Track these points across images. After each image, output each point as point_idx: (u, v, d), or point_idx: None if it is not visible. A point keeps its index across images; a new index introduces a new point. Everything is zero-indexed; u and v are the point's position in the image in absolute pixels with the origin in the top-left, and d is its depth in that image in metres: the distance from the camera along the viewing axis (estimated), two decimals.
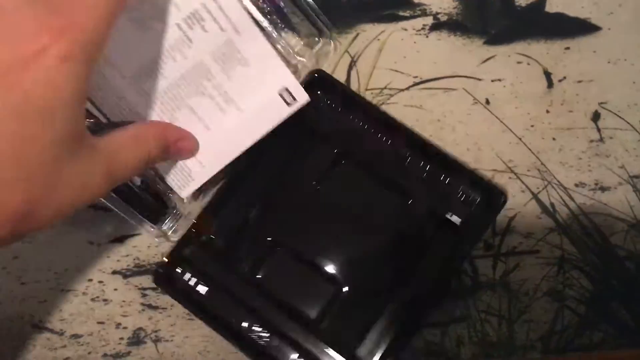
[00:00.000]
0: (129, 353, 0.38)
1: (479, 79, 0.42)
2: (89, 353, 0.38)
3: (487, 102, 0.41)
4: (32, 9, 0.25)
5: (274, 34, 0.39)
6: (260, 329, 0.37)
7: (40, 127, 0.25)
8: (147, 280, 0.39)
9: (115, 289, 0.39)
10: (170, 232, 0.38)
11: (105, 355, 0.38)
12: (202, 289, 0.38)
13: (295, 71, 0.39)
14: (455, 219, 0.38)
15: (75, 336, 0.39)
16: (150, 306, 0.39)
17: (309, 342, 0.37)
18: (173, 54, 0.35)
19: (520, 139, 0.40)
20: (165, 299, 0.39)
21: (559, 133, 0.40)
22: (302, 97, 0.38)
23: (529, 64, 0.42)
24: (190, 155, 0.36)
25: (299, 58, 0.41)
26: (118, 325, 0.39)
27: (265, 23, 0.39)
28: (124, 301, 0.39)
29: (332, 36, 0.41)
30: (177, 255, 0.38)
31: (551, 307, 0.38)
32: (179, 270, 0.38)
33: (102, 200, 0.37)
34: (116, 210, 0.37)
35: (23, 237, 0.27)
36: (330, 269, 0.38)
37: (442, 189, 0.39)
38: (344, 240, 0.39)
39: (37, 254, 0.40)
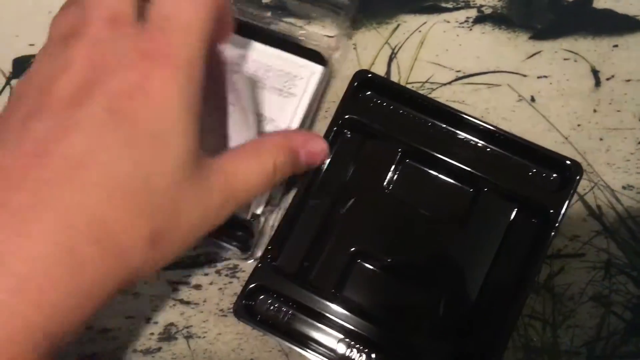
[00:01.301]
0: (159, 349, 0.37)
1: (524, 75, 0.40)
2: (118, 348, 0.37)
3: (532, 99, 0.40)
4: (130, 39, 0.25)
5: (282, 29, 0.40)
6: (355, 346, 0.36)
7: (155, 153, 0.24)
8: (178, 274, 0.38)
9: (146, 283, 0.38)
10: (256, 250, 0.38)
11: (135, 350, 0.37)
12: (286, 315, 0.36)
13: (321, 51, 0.39)
14: (534, 199, 0.36)
15: (104, 330, 0.37)
16: (182, 301, 0.38)
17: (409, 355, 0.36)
18: None
19: (566, 138, 0.39)
20: (197, 294, 0.38)
21: (607, 133, 0.39)
22: (315, 75, 0.38)
23: (575, 60, 0.40)
24: (324, 157, 0.34)
25: (322, 37, 0.40)
26: (148, 320, 0.38)
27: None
28: (154, 295, 0.38)
29: (353, 10, 0.40)
30: (253, 285, 0.36)
31: (597, 313, 0.36)
32: (259, 299, 0.36)
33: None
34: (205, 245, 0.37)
35: (152, 272, 0.26)
36: (419, 275, 0.37)
37: (515, 171, 0.37)
38: (424, 242, 0.37)
39: None
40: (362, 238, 0.37)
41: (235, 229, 0.36)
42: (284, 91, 0.38)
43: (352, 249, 0.37)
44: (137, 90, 0.24)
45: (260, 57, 0.39)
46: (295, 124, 0.37)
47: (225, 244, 0.36)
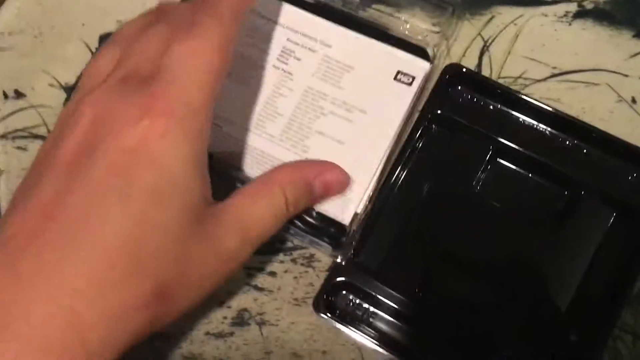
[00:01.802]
0: (232, 334, 0.37)
1: (626, 75, 0.38)
2: (191, 330, 0.37)
3: (634, 100, 0.38)
4: (136, 95, 0.26)
5: (380, 19, 0.39)
6: (435, 349, 0.35)
7: (155, 210, 0.25)
8: (253, 260, 0.38)
9: None
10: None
11: (207, 333, 0.37)
12: (367, 312, 0.35)
13: (425, 46, 0.37)
14: (634, 205, 0.34)
15: None
16: (256, 287, 0.37)
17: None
18: (280, 91, 0.38)
19: None
20: (272, 281, 0.37)
21: None
22: (421, 70, 0.37)
23: None
24: (342, 187, 0.34)
25: (427, 32, 0.38)
26: (221, 303, 0.37)
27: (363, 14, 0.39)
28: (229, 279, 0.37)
29: (461, 14, 0.39)
30: (335, 281, 0.35)
31: None
32: (340, 295, 0.36)
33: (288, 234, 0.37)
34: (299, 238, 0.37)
35: (162, 326, 0.27)
36: (506, 278, 0.35)
37: (614, 174, 0.35)
38: (513, 245, 0.36)
39: None
40: (448, 238, 0.36)
41: (329, 226, 0.35)
42: (386, 85, 0.37)
43: (437, 249, 0.36)
44: (135, 148, 0.25)
45: (355, 46, 0.38)
46: (397, 122, 0.36)
47: (316, 239, 0.36)
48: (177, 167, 0.25)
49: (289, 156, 0.36)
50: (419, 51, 0.37)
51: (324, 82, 0.37)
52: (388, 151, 0.36)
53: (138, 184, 0.25)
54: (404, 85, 0.37)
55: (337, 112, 0.37)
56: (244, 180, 0.36)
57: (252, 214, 0.29)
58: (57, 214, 0.24)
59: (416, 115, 0.37)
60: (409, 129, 0.37)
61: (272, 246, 0.38)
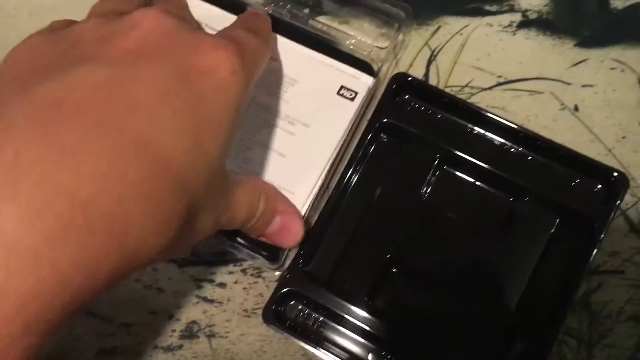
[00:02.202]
0: (181, 347, 0.36)
1: (568, 84, 0.39)
2: (139, 344, 0.36)
3: (576, 108, 0.38)
4: (197, 32, 0.27)
5: (327, 33, 0.39)
6: (386, 356, 0.35)
7: (211, 130, 0.25)
8: (203, 272, 0.37)
9: (170, 279, 0.37)
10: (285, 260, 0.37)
11: (155, 347, 0.36)
12: (316, 322, 0.35)
13: (370, 62, 0.37)
14: (577, 210, 0.35)
15: (125, 325, 0.37)
16: (205, 299, 0.37)
17: None
18: None
19: (609, 150, 0.38)
20: (222, 292, 0.37)
21: None
22: (364, 86, 0.37)
23: (622, 70, 0.39)
24: (294, 240, 0.33)
25: (373, 47, 0.39)
26: (171, 316, 0.37)
27: (310, 29, 0.39)
28: (178, 292, 0.37)
29: (407, 29, 0.39)
30: (284, 291, 0.35)
31: (635, 333, 0.35)
32: (289, 305, 0.36)
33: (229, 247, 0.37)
34: (237, 252, 0.37)
35: (180, 249, 0.26)
36: (454, 284, 0.35)
37: (558, 180, 0.36)
38: (461, 251, 0.36)
39: None
40: (397, 245, 0.36)
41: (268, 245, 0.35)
42: (329, 100, 0.37)
43: (386, 256, 0.36)
44: (208, 73, 0.25)
45: (301, 59, 0.38)
46: (339, 137, 0.37)
47: (253, 253, 0.36)
48: (237, 104, 0.26)
49: (229, 166, 0.36)
50: (364, 66, 0.37)
51: (269, 95, 0.37)
52: (328, 166, 0.36)
53: (206, 105, 0.24)
54: (346, 100, 0.37)
55: (280, 125, 0.37)
56: None
57: (238, 201, 0.29)
58: (113, 97, 0.22)
59: (365, 124, 0.37)
60: (357, 138, 0.37)
61: (222, 257, 0.38)
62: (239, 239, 0.35)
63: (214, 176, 0.25)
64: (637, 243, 0.36)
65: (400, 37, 0.39)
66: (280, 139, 0.37)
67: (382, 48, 0.39)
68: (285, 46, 0.38)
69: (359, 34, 0.39)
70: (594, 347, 0.35)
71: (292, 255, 0.36)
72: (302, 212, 0.36)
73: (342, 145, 0.37)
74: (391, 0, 0.39)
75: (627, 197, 0.37)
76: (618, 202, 0.34)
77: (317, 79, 0.37)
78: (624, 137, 0.38)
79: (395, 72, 0.38)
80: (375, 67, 0.37)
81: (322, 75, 0.37)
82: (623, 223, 0.37)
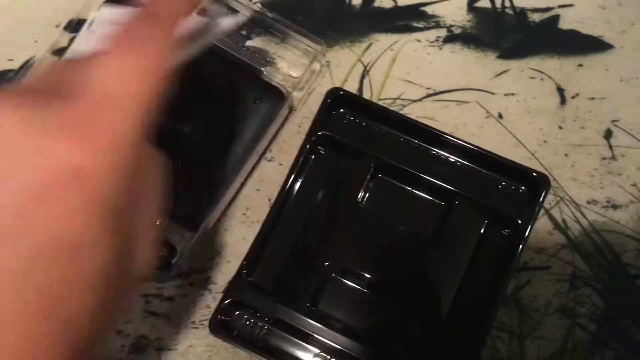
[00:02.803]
0: None
1: (492, 93, 0.41)
2: None
3: (500, 116, 0.41)
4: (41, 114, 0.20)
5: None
6: None
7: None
8: (150, 287, 0.38)
9: None
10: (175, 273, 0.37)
11: None
12: (262, 330, 0.36)
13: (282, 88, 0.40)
14: (504, 211, 0.37)
15: None
16: (153, 313, 0.38)
17: None
18: None
19: (532, 154, 0.40)
20: (169, 306, 0.38)
21: (572, 149, 0.40)
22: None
23: (542, 79, 0.42)
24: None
25: (287, 75, 0.41)
26: (119, 332, 0.38)
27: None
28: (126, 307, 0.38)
29: (322, 53, 0.41)
30: (229, 301, 0.36)
31: (562, 324, 0.37)
32: (234, 314, 0.37)
33: None
34: None
35: None
36: (393, 288, 0.37)
37: (485, 184, 0.38)
38: (399, 256, 0.38)
39: None
40: (337, 253, 0.38)
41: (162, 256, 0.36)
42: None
43: (327, 264, 0.37)
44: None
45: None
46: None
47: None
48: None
49: None
50: (276, 92, 0.40)
51: None
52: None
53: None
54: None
55: None
56: None
57: None
58: None
59: (302, 134, 0.39)
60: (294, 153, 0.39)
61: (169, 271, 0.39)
62: None
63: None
64: (561, 240, 0.39)
65: (317, 66, 0.41)
66: None
67: (295, 77, 0.41)
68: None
69: (280, 63, 0.41)
70: (525, 340, 0.37)
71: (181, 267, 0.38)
72: (202, 223, 0.37)
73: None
74: (308, 34, 0.41)
75: (550, 197, 0.39)
76: (540, 200, 0.37)
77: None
78: (545, 141, 0.40)
79: (330, 87, 0.40)
80: (285, 94, 0.39)
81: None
82: (547, 222, 0.39)
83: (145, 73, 0.22)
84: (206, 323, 0.37)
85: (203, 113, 0.39)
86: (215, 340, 0.37)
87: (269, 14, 0.40)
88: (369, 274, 0.37)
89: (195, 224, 0.37)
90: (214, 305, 0.38)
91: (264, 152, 0.40)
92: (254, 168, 0.40)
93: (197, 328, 0.38)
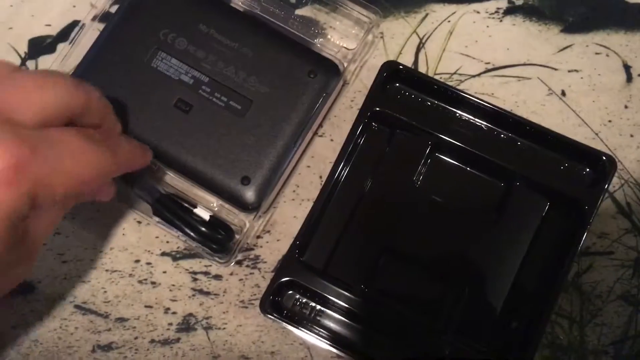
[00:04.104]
0: (178, 340, 0.36)
1: (555, 69, 0.39)
2: (136, 338, 0.36)
3: (563, 93, 0.39)
4: None
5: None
6: (383, 342, 0.35)
7: None
8: (197, 264, 0.37)
9: (164, 272, 0.37)
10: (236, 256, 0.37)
11: (152, 341, 0.36)
12: (314, 310, 0.36)
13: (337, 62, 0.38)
14: (567, 194, 0.36)
15: (121, 320, 0.37)
16: (201, 291, 0.37)
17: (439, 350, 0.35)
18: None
19: (596, 134, 0.38)
20: (218, 284, 0.37)
21: (638, 130, 0.38)
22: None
23: (607, 55, 0.40)
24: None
25: (340, 48, 0.39)
26: (167, 310, 0.37)
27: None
28: (173, 285, 0.37)
29: (377, 24, 0.39)
30: (281, 281, 0.35)
31: (625, 312, 0.36)
32: (286, 294, 0.36)
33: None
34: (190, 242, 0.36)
35: None
36: (448, 270, 0.36)
37: (547, 165, 0.37)
38: (454, 237, 0.36)
39: (80, 231, 0.38)
40: (391, 234, 0.36)
41: (214, 231, 0.35)
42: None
43: (381, 244, 0.36)
44: None
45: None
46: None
47: (201, 250, 0.36)
48: None
49: None
50: (330, 65, 0.38)
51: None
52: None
53: None
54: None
55: None
56: None
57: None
58: None
59: (354, 109, 0.38)
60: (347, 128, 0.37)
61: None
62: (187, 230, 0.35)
63: None
64: (625, 224, 0.37)
65: (370, 37, 0.39)
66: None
67: (349, 49, 0.39)
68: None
69: (330, 34, 0.40)
70: (586, 327, 0.36)
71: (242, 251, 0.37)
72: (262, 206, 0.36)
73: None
74: (362, 2, 0.39)
75: (615, 180, 0.37)
76: (607, 185, 0.35)
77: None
78: (610, 121, 0.38)
79: (385, 60, 0.38)
80: (341, 68, 0.38)
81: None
82: (611, 205, 0.37)
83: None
84: (256, 302, 0.36)
85: (256, 91, 0.37)
86: (266, 320, 0.36)
87: None
88: (424, 256, 0.36)
89: (254, 205, 0.35)
90: (263, 284, 0.37)
91: (317, 128, 0.39)
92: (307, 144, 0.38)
93: (246, 307, 0.37)
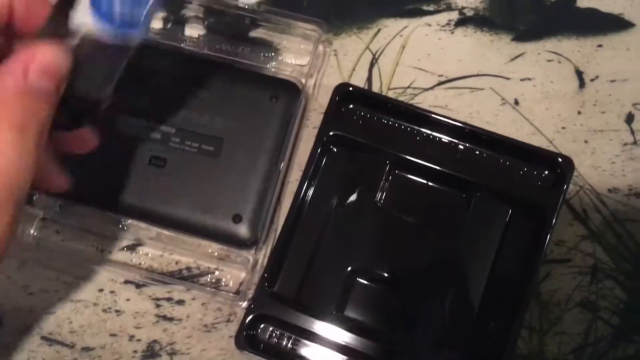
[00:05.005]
0: None
1: (507, 78, 0.40)
2: None
3: (516, 102, 0.39)
4: None
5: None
6: None
7: None
8: (161, 290, 0.38)
9: (128, 300, 0.38)
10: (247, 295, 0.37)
11: None
12: (289, 340, 0.36)
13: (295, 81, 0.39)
14: (528, 198, 0.36)
15: (87, 349, 0.37)
16: (165, 317, 0.37)
17: None
18: None
19: (551, 141, 0.38)
20: (181, 310, 0.37)
21: (592, 135, 0.38)
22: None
23: (559, 62, 0.40)
24: (59, 71, 0.26)
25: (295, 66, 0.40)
26: (131, 337, 0.37)
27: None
28: (137, 312, 0.37)
29: (323, 34, 0.39)
30: (253, 314, 0.35)
31: (584, 319, 0.36)
32: (260, 328, 0.36)
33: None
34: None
35: None
36: (419, 285, 0.36)
37: (506, 171, 0.37)
38: (422, 252, 0.37)
39: (45, 262, 0.38)
40: (360, 255, 0.37)
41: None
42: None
43: (349, 267, 0.36)
44: None
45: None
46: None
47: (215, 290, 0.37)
48: None
49: None
50: (289, 86, 0.38)
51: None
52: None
53: None
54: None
55: None
56: None
57: None
58: None
59: (310, 128, 0.38)
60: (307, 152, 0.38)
61: (178, 275, 0.38)
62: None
63: None
64: (581, 231, 0.37)
65: (320, 48, 0.40)
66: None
67: (303, 65, 0.39)
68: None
69: (281, 54, 0.40)
70: (545, 335, 0.36)
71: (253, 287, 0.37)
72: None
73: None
74: (304, 17, 0.39)
75: (570, 187, 0.38)
76: (566, 185, 0.35)
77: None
78: (563, 128, 0.39)
79: (338, 82, 0.38)
80: (299, 85, 0.38)
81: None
82: (567, 212, 0.38)
83: None
84: (219, 326, 0.37)
85: (224, 129, 0.37)
86: (229, 344, 0.37)
87: (259, 7, 0.39)
88: (394, 275, 0.36)
89: (252, 239, 0.37)
90: (225, 308, 0.37)
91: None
92: None
93: (209, 331, 0.37)
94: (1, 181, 0.24)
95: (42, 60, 0.26)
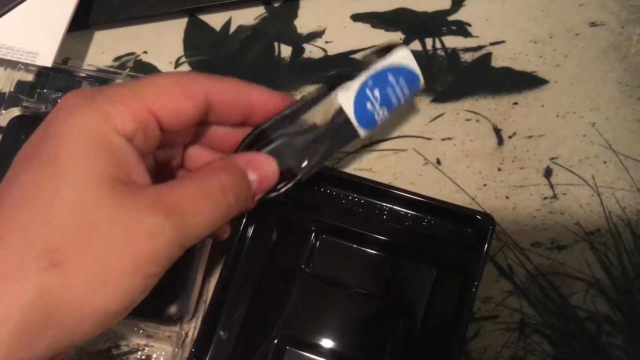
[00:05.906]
0: None
1: (429, 139, 0.41)
2: None
3: (438, 161, 0.40)
4: None
5: None
6: None
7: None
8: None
9: None
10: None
11: None
12: None
13: None
14: (453, 257, 0.36)
15: None
16: None
17: None
18: None
19: (473, 199, 0.39)
20: None
21: (512, 191, 0.39)
22: None
23: (478, 120, 0.41)
24: (274, 175, 0.31)
25: None
26: None
27: None
28: None
29: None
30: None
31: None
32: None
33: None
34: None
35: (60, 302, 0.24)
36: (351, 351, 0.36)
37: (429, 232, 0.37)
38: (351, 317, 0.37)
39: None
40: (290, 324, 0.36)
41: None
42: None
43: (280, 337, 0.36)
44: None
45: None
46: None
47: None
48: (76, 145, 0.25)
49: None
50: None
51: None
52: None
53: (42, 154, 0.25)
54: None
55: None
56: None
57: (177, 193, 0.26)
58: None
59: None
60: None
61: (107, 353, 0.37)
62: None
63: (90, 202, 0.24)
64: (507, 286, 0.38)
65: None
66: None
67: None
68: None
69: None
70: None
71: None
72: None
73: None
74: None
75: (494, 243, 0.38)
76: (487, 243, 0.36)
77: None
78: (485, 185, 0.40)
79: None
80: None
81: None
82: (492, 269, 0.38)
83: None
84: None
85: None
86: None
87: None
88: (325, 342, 0.36)
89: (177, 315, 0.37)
90: None
91: None
92: None
93: None
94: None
95: (267, 167, 0.31)
